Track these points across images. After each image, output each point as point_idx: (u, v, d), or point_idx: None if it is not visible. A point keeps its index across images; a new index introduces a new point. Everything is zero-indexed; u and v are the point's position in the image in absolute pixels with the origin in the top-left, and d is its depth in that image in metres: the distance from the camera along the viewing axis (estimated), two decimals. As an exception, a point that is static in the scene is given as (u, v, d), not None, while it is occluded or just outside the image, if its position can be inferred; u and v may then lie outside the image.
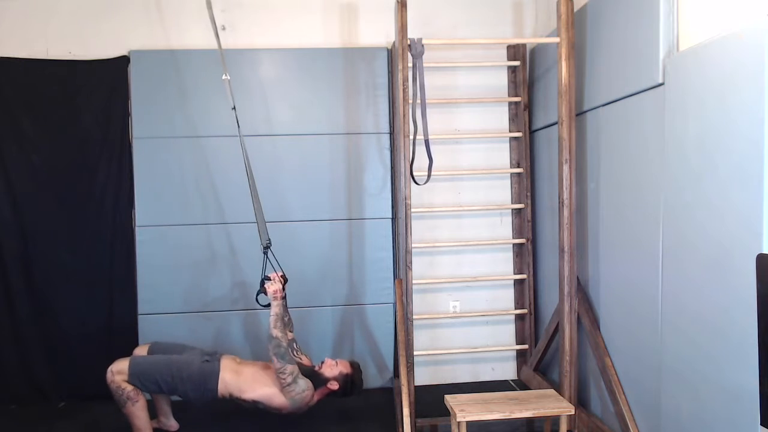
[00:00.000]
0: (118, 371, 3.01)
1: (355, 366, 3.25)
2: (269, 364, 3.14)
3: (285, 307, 3.18)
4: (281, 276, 3.21)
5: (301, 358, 3.28)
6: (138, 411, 3.02)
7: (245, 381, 3.07)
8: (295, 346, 3.24)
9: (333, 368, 3.17)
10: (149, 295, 3.83)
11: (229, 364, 3.13)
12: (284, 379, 3.00)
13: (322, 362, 3.20)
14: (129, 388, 3.00)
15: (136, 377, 3.00)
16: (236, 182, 3.71)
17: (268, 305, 3.11)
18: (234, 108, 3.32)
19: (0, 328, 3.79)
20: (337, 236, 3.95)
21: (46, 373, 3.83)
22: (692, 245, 2.32)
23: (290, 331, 3.25)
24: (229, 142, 3.70)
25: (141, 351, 3.25)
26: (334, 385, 3.14)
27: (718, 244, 2.17)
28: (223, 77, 3.31)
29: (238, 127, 3.33)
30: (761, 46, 1.94)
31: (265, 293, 3.12)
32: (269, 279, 3.15)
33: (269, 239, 3.31)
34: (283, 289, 3.14)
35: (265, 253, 3.27)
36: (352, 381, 3.19)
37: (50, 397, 3.82)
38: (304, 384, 3.05)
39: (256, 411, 3.13)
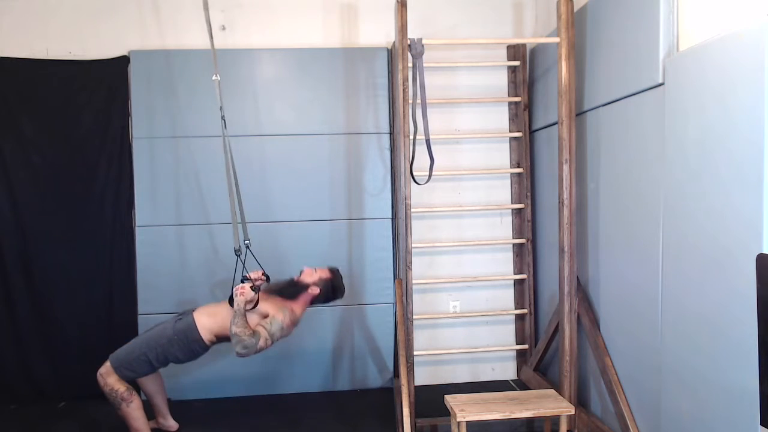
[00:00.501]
0: (106, 373, 3.01)
1: (334, 270, 3.26)
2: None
3: (267, 278, 3.18)
4: (262, 274, 3.21)
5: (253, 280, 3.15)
6: (133, 411, 3.02)
7: (225, 318, 3.03)
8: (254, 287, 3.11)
9: (312, 275, 3.18)
10: (149, 295, 3.83)
11: (203, 310, 3.12)
12: (267, 346, 2.95)
13: (301, 271, 3.20)
14: (122, 388, 2.99)
15: (122, 368, 3.00)
16: (237, 182, 3.70)
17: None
18: (221, 108, 3.29)
19: (0, 328, 3.79)
20: (337, 236, 3.95)
21: (46, 373, 3.84)
22: (692, 245, 2.32)
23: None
24: (230, 141, 3.69)
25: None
26: (314, 290, 3.15)
27: (718, 244, 2.17)
28: (213, 78, 3.29)
29: (224, 127, 3.27)
30: (761, 46, 1.94)
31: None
32: (248, 279, 3.13)
33: (248, 240, 3.26)
34: (259, 288, 3.09)
35: (238, 256, 3.18)
36: (332, 285, 3.21)
37: (50, 397, 3.82)
38: (277, 324, 2.99)
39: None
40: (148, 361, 3.03)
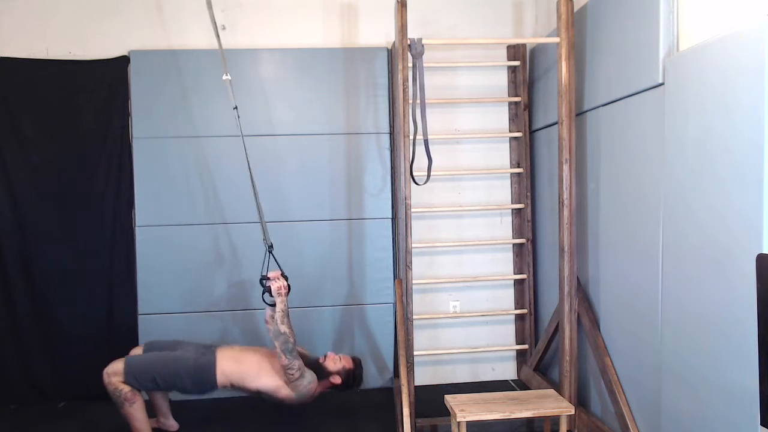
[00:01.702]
0: (114, 372, 3.00)
1: (356, 361, 3.29)
2: (271, 351, 3.15)
3: None
4: (281, 274, 3.21)
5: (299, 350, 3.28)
6: (136, 412, 3.02)
7: (248, 369, 3.07)
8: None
9: (336, 362, 3.20)
10: (149, 295, 3.83)
11: (228, 353, 3.13)
12: (292, 374, 3.01)
13: (325, 356, 3.23)
14: (126, 389, 2.99)
15: (132, 377, 3.00)
16: (236, 182, 3.71)
17: (274, 304, 3.11)
18: (236, 108, 3.32)
19: (0, 328, 3.79)
20: (337, 236, 3.95)
21: (46, 373, 3.83)
22: (692, 245, 2.32)
23: None
24: (230, 142, 3.71)
25: (137, 351, 3.24)
26: (336, 379, 3.18)
27: (718, 244, 2.17)
28: (224, 77, 3.31)
29: (239, 126, 3.33)
30: (761, 46, 1.94)
31: (270, 292, 3.12)
32: (268, 278, 3.15)
33: (271, 241, 3.33)
34: (287, 279, 3.17)
35: (270, 252, 3.29)
36: (353, 375, 3.24)
37: (50, 397, 3.82)
38: (309, 377, 3.07)
39: (256, 406, 3.12)
40: (154, 381, 3.03)
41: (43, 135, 3.80)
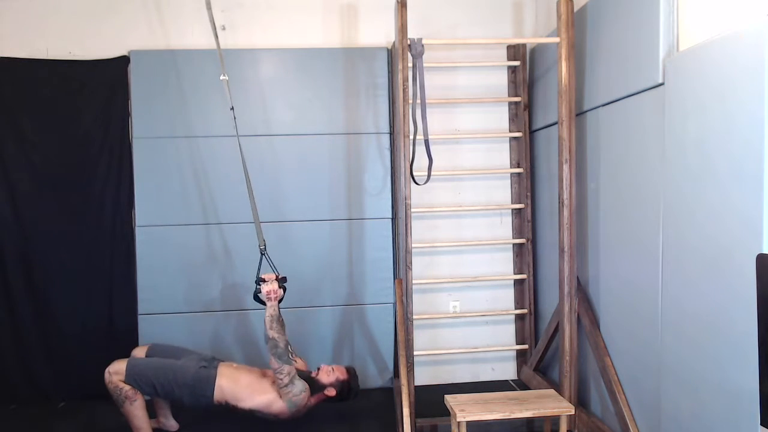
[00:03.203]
0: (116, 371, 3.01)
1: (351, 372, 3.26)
2: (266, 371, 3.16)
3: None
4: (278, 277, 3.21)
5: (296, 361, 3.27)
6: (136, 410, 3.02)
7: (242, 389, 3.06)
8: (289, 349, 3.24)
9: (330, 374, 3.18)
10: (149, 295, 3.83)
11: (226, 371, 3.11)
12: (281, 379, 3.00)
13: (319, 368, 3.21)
14: (127, 387, 3.00)
15: (132, 378, 3.00)
16: (235, 182, 3.71)
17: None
18: (232, 108, 3.33)
19: (0, 328, 3.79)
20: (337, 236, 3.95)
21: (46, 373, 3.83)
22: (692, 245, 2.32)
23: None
24: (229, 142, 3.70)
25: (140, 351, 3.25)
26: (331, 392, 3.16)
27: (718, 244, 2.17)
28: (222, 77, 3.31)
29: (236, 127, 3.33)
30: (761, 46, 1.94)
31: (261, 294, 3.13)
32: (264, 281, 3.15)
33: (264, 241, 3.32)
34: (284, 289, 3.15)
35: (263, 254, 3.29)
36: (348, 387, 3.21)
37: (50, 397, 3.82)
38: (301, 385, 3.05)
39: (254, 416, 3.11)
40: (153, 387, 3.03)
41: (43, 135, 3.80)
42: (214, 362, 3.16)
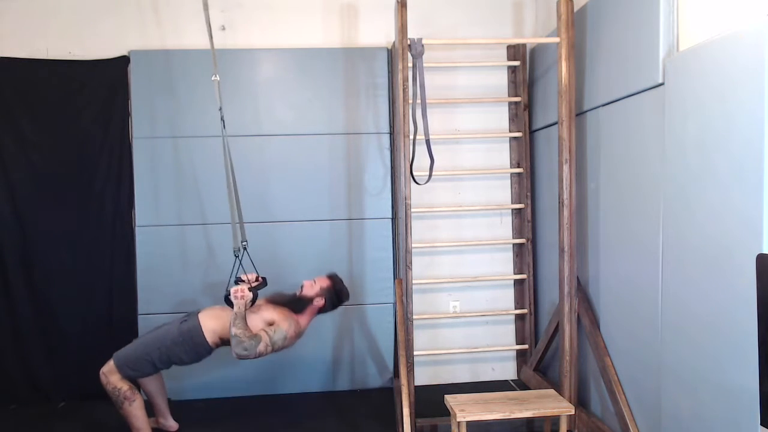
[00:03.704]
0: (109, 371, 3.01)
1: (334, 278, 3.26)
2: (256, 305, 3.14)
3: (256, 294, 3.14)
4: (257, 278, 3.20)
5: (244, 279, 3.18)
6: (135, 410, 3.02)
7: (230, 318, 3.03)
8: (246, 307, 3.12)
9: (313, 287, 3.19)
10: (149, 295, 3.83)
11: (208, 313, 3.13)
12: (267, 352, 2.97)
13: (301, 286, 3.21)
14: (125, 387, 3.00)
15: (126, 368, 3.00)
16: (236, 182, 3.70)
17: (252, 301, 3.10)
18: (220, 109, 3.32)
19: (0, 328, 3.79)
20: (337, 236, 3.95)
21: (46, 373, 3.83)
22: (692, 245, 2.32)
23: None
24: (229, 141, 3.69)
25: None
26: (319, 302, 3.17)
27: (718, 244, 2.17)
28: (213, 78, 3.30)
29: (223, 128, 3.31)
30: (761, 46, 1.94)
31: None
32: (243, 281, 3.15)
33: (246, 241, 3.29)
34: (257, 288, 3.12)
35: (237, 256, 3.25)
36: (336, 291, 3.23)
37: (50, 397, 3.82)
38: (280, 333, 3.01)
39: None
40: (151, 362, 3.04)
41: (43, 135, 3.80)
42: (192, 313, 3.17)
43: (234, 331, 2.95)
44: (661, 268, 2.54)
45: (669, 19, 2.49)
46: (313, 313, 3.20)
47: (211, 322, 3.08)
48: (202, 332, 3.05)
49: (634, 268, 2.76)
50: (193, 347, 3.05)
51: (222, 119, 3.31)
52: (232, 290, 3.07)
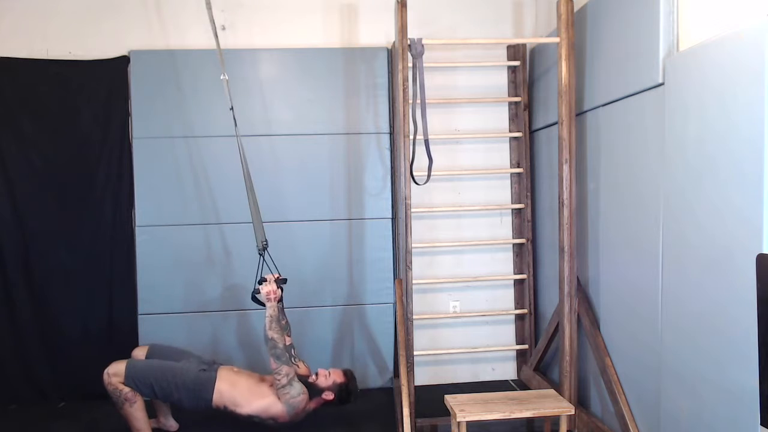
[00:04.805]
0: (115, 373, 3.01)
1: (348, 374, 3.25)
2: (266, 376, 3.16)
3: (282, 310, 3.18)
4: (278, 278, 3.21)
5: (298, 365, 3.26)
6: (136, 412, 3.02)
7: (241, 394, 3.04)
8: (293, 353, 3.23)
9: (327, 378, 3.17)
10: (149, 295, 3.83)
11: (226, 375, 3.10)
12: (279, 380, 2.99)
13: (316, 373, 3.20)
14: (126, 389, 2.99)
15: (132, 380, 3.00)
16: (236, 182, 3.70)
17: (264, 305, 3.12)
18: (232, 108, 3.33)
19: (0, 328, 3.79)
20: (337, 236, 3.95)
21: (46, 373, 3.83)
22: (692, 245, 2.32)
23: (288, 336, 3.23)
24: (229, 142, 3.70)
25: (140, 351, 3.25)
26: (329, 396, 3.15)
27: (718, 244, 2.17)
28: (222, 77, 3.31)
29: (236, 126, 3.34)
30: (761, 46, 1.94)
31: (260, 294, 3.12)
32: (265, 280, 3.16)
33: (266, 240, 3.31)
34: (281, 290, 3.15)
35: (261, 255, 3.28)
36: (347, 390, 3.20)
37: (50, 397, 3.82)
38: (299, 387, 3.04)
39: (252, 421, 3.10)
40: (152, 389, 3.02)
41: (43, 135, 3.80)
42: (214, 366, 3.15)
43: (271, 335, 2.99)
44: (661, 268, 2.54)
45: (669, 19, 2.49)
46: (319, 404, 3.18)
47: (225, 386, 3.05)
48: (213, 390, 3.03)
49: (634, 268, 2.76)
50: (197, 399, 3.03)
51: (234, 118, 3.33)
52: (263, 291, 3.08)
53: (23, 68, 3.77)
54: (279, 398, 3.01)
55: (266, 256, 3.30)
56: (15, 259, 3.79)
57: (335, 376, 3.19)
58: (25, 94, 3.78)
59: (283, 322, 3.17)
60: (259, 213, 3.36)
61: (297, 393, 3.03)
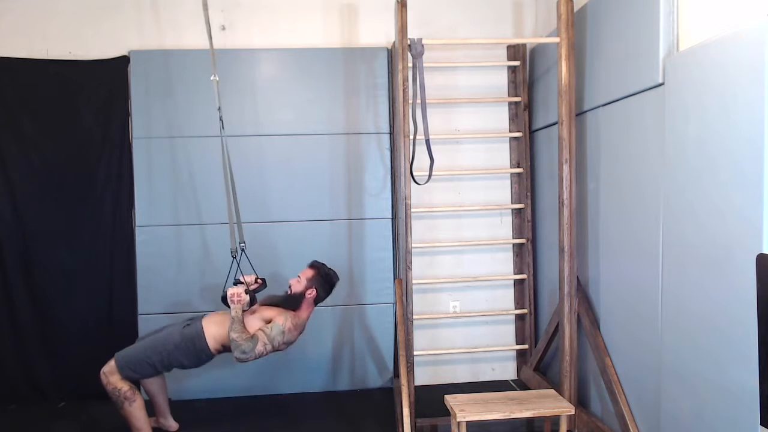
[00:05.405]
0: (110, 371, 3.01)
1: (316, 265, 3.26)
2: (253, 308, 3.16)
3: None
4: (256, 279, 3.21)
5: (242, 281, 3.18)
6: (136, 411, 3.02)
7: None
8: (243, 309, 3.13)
9: (299, 282, 3.19)
10: (149, 295, 3.82)
11: (211, 319, 3.13)
12: (266, 351, 2.99)
13: (289, 286, 3.21)
14: (125, 387, 3.00)
15: (127, 369, 3.00)
16: (236, 182, 3.70)
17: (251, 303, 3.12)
18: (219, 109, 3.32)
19: (0, 328, 3.79)
20: (337, 236, 3.95)
21: (46, 373, 3.83)
22: (692, 245, 2.32)
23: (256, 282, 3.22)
24: (229, 141, 3.69)
25: None
26: (311, 293, 3.17)
27: (718, 244, 2.17)
28: (212, 78, 3.31)
29: (222, 128, 3.32)
30: (761, 46, 1.94)
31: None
32: (241, 282, 3.15)
33: (244, 243, 3.30)
34: (255, 291, 3.14)
35: (234, 258, 3.24)
36: (323, 277, 3.22)
37: (50, 397, 3.82)
38: (277, 328, 3.02)
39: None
40: (152, 364, 3.04)
41: (43, 135, 3.80)
42: (196, 318, 3.17)
43: (232, 335, 2.97)
44: (661, 268, 2.54)
45: (669, 19, 2.49)
46: (310, 305, 3.21)
47: (214, 328, 3.08)
48: (205, 338, 3.06)
49: (634, 268, 2.76)
50: (194, 352, 3.06)
51: (221, 119, 3.32)
52: (228, 293, 3.08)
53: (23, 68, 3.77)
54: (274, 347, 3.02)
55: (242, 259, 3.25)
56: (15, 259, 3.79)
57: (305, 275, 3.20)
58: (25, 94, 3.78)
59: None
60: (239, 215, 3.34)
61: (280, 333, 3.02)
